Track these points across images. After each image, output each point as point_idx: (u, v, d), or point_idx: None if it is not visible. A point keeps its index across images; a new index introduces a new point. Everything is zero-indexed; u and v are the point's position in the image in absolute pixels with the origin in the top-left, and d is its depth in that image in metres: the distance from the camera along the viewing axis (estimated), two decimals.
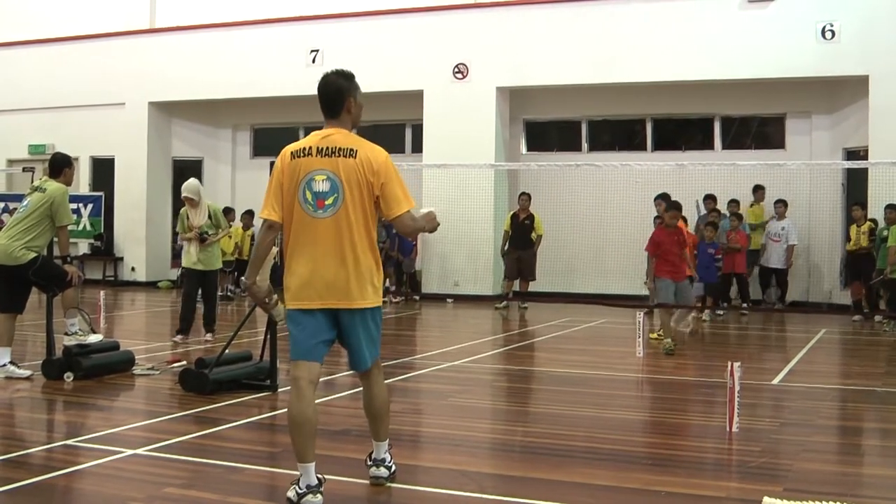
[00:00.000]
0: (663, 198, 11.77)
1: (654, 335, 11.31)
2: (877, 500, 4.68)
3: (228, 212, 17.54)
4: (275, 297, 4.97)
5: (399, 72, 17.26)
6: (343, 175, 4.43)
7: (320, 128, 4.64)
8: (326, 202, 4.42)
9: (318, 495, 4.38)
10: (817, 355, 10.54)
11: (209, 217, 10.42)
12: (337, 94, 4.57)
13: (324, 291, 4.43)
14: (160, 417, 6.58)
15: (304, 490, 4.37)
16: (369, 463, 4.87)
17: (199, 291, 10.61)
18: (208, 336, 10.49)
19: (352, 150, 4.47)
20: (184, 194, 10.43)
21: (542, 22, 16.61)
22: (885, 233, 12.70)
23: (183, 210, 10.55)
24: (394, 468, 4.87)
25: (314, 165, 4.46)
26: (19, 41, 20.39)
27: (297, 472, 4.42)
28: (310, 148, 4.50)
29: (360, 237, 4.46)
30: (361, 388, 4.83)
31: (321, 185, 4.43)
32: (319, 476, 4.44)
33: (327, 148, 4.48)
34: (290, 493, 4.43)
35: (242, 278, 4.54)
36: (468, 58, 17.10)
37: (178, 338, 10.32)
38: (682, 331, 10.71)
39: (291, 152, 4.54)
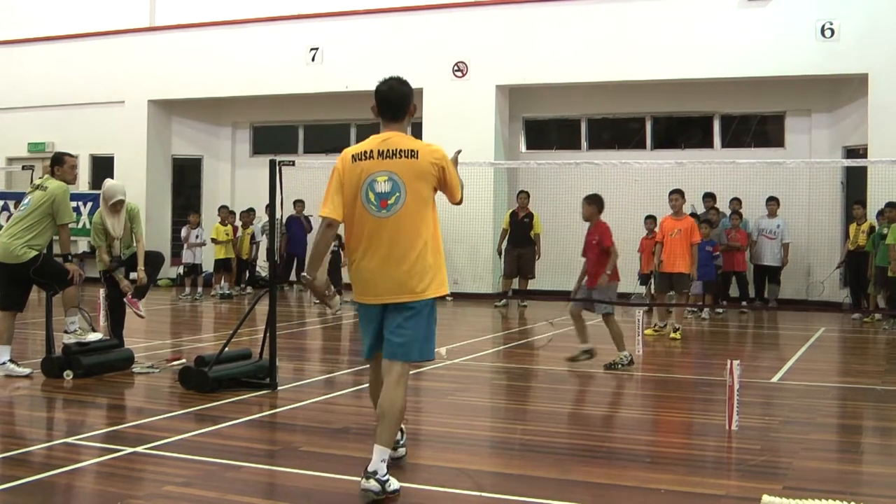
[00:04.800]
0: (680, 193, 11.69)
1: (650, 330, 11.42)
2: (876, 499, 4.69)
3: (221, 209, 17.58)
4: (332, 289, 5.20)
5: (398, 70, 16.71)
6: (404, 175, 4.68)
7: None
8: (389, 202, 4.67)
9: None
10: (816, 353, 10.54)
11: (128, 220, 8.83)
12: (403, 99, 4.86)
13: (382, 287, 4.67)
14: (160, 415, 6.58)
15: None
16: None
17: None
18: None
19: (412, 150, 4.73)
20: (117, 197, 8.67)
21: (542, 20, 16.61)
22: (885, 230, 12.71)
23: (99, 217, 8.74)
24: (392, 485, 4.52)
25: (375, 168, 4.70)
26: (19, 39, 20.40)
27: (294, 471, 4.43)
28: (371, 151, 4.75)
29: (421, 231, 4.69)
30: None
31: (383, 186, 4.68)
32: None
33: (388, 150, 4.72)
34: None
35: (303, 273, 4.89)
36: (468, 56, 17.11)
37: None
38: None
39: (352, 155, 4.79)
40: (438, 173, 4.74)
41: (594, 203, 9.10)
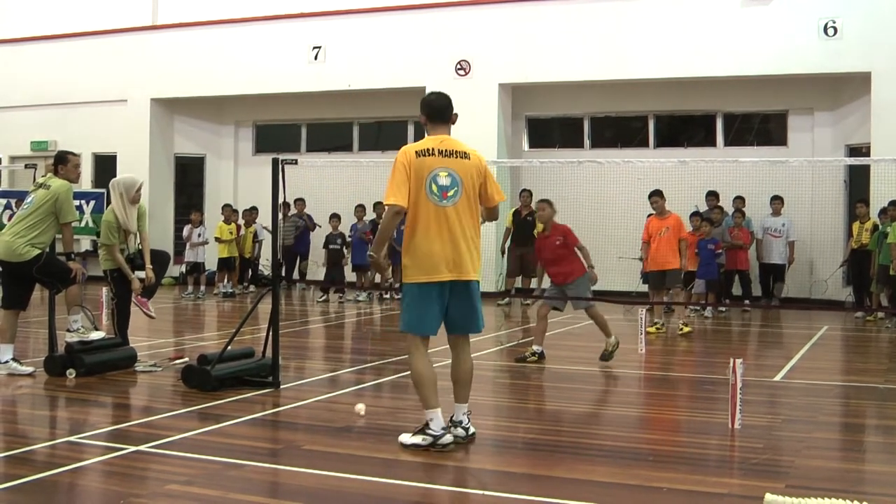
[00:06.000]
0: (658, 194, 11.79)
1: (653, 329, 11.42)
2: (879, 497, 4.67)
3: (225, 208, 17.58)
4: (388, 260, 6.28)
5: (401, 68, 17.26)
6: (461, 172, 5.49)
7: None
8: (449, 194, 5.45)
9: (449, 436, 5.38)
10: (819, 352, 10.53)
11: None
12: (449, 106, 5.68)
13: (451, 265, 5.41)
14: (162, 414, 6.59)
15: (440, 431, 5.36)
16: (448, 424, 5.58)
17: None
18: None
19: (465, 153, 5.58)
20: (140, 181, 8.67)
21: (545, 18, 16.60)
22: (888, 229, 12.69)
23: (111, 214, 8.47)
24: (471, 430, 5.64)
25: (437, 164, 5.46)
26: (22, 38, 20.40)
27: (297, 469, 4.48)
28: (432, 149, 5.49)
29: (472, 222, 5.53)
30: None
31: (444, 180, 5.45)
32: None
33: (447, 150, 5.52)
34: (416, 439, 5.40)
35: (369, 252, 5.79)
36: (470, 54, 17.09)
37: None
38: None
39: (416, 151, 5.48)
40: (482, 176, 5.58)
41: (551, 205, 9.31)
